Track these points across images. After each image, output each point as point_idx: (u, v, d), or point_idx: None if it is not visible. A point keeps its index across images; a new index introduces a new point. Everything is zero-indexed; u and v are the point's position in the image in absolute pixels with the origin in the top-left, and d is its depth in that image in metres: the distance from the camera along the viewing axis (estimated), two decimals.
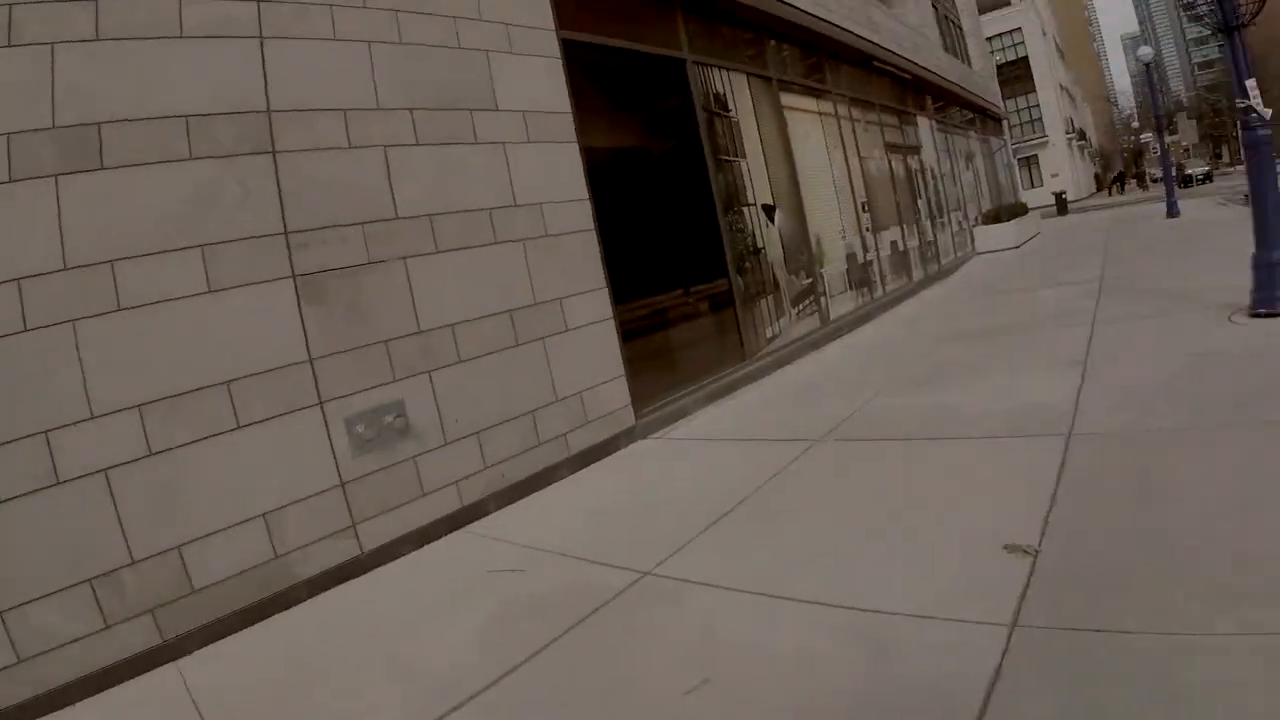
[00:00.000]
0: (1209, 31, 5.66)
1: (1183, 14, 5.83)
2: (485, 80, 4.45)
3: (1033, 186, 45.31)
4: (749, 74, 7.79)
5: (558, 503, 4.12)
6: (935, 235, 14.17)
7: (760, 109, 7.83)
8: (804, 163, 8.51)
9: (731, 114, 7.24)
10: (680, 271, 6.37)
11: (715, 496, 3.69)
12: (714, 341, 6.60)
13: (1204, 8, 5.72)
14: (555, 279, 4.57)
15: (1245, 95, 5.64)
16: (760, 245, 7.20)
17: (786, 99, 8.49)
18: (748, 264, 6.94)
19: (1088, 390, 4.46)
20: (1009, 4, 52.18)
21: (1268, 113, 5.67)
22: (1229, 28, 5.60)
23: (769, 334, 7.22)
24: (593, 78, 5.70)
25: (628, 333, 5.18)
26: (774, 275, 7.43)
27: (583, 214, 4.88)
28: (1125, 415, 3.87)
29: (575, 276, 4.72)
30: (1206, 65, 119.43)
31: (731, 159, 7.04)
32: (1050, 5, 74.88)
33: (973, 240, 17.35)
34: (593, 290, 4.82)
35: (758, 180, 7.42)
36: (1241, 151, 6.20)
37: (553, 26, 5.04)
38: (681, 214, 6.45)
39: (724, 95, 7.21)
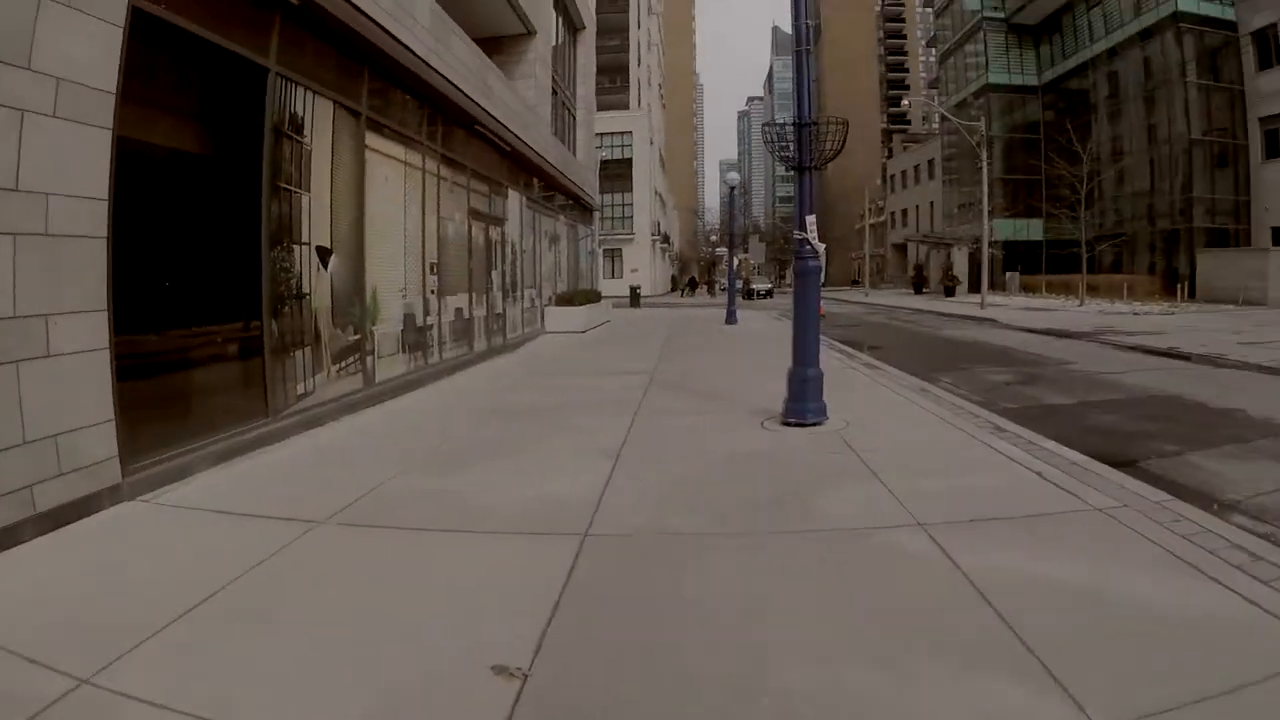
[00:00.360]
0: (790, 170, 7.12)
1: (770, 149, 7.41)
2: (27, 30, 4.15)
3: (614, 277, 51.71)
4: (337, 103, 8.11)
5: (11, 575, 3.76)
6: (505, 308, 15.58)
7: (340, 143, 8.19)
8: (376, 210, 9.01)
9: (306, 141, 7.48)
10: (208, 305, 6.25)
11: (188, 584, 3.56)
12: (236, 391, 6.58)
13: (789, 148, 7.01)
14: (46, 290, 4.30)
15: (804, 228, 6.91)
16: (306, 290, 7.45)
17: (373, 139, 8.96)
18: (288, 309, 7.12)
19: (615, 485, 5.15)
20: (627, 108, 59.97)
21: (821, 247, 6.96)
22: (802, 167, 6.97)
23: (301, 390, 7.42)
24: (158, 62, 5.57)
25: (130, 369, 4.98)
26: (317, 325, 7.70)
27: (97, 217, 4.70)
28: (645, 515, 4.46)
29: (72, 291, 4.50)
30: (786, 199, 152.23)
31: (294, 189, 7.25)
32: (664, 118, 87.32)
33: (543, 319, 19.33)
34: (90, 311, 4.62)
35: (318, 218, 7.71)
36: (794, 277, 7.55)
37: None
38: (223, 239, 6.43)
39: (303, 119, 7.44)
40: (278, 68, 6.88)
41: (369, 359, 8.89)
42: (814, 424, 6.85)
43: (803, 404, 6.92)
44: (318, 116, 7.73)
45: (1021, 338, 18.63)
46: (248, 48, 6.51)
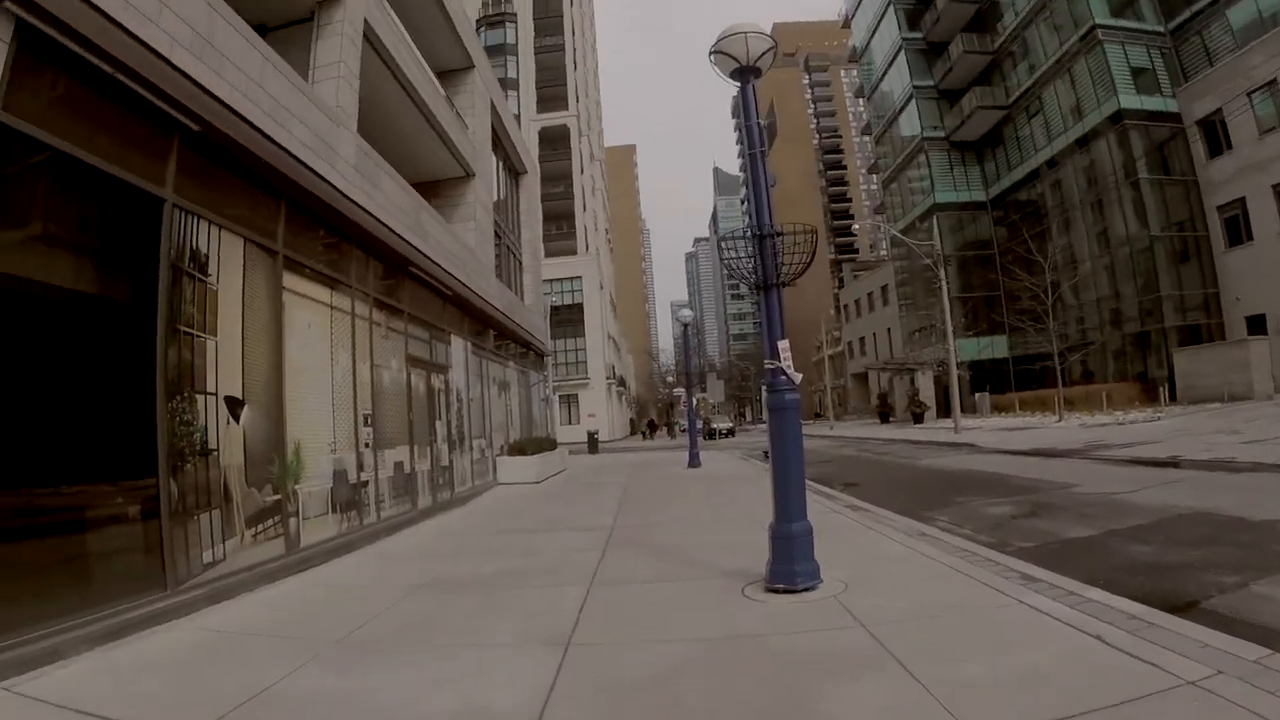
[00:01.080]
0: (746, 293, 6.31)
1: (724, 274, 6.56)
2: None
3: (570, 423, 51.45)
4: (249, 240, 7.65)
5: None
6: (452, 460, 14.83)
7: (253, 284, 7.68)
8: (297, 358, 8.44)
9: (211, 280, 6.95)
10: (89, 460, 5.53)
11: None
12: (125, 559, 5.78)
13: (745, 270, 6.23)
14: None
15: (776, 355, 5.97)
16: (213, 446, 6.73)
17: (292, 280, 8.49)
18: (190, 465, 6.39)
19: (562, 690, 4.10)
20: (575, 254, 61.52)
21: (798, 376, 6.01)
22: (767, 285, 6.13)
23: (208, 558, 6.61)
24: (27, 184, 5.11)
25: None
26: (227, 484, 6.95)
27: None
28: None
29: None
30: (740, 337, 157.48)
31: (196, 334, 6.66)
32: (613, 262, 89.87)
33: (495, 470, 18.53)
34: None
35: (227, 366, 7.09)
36: (765, 414, 6.47)
37: None
38: (107, 387, 5.77)
39: (207, 256, 6.94)
40: (177, 197, 6.43)
41: (292, 521, 8.07)
42: (806, 589, 5.75)
43: (790, 566, 5.81)
44: (226, 254, 7.24)
45: (1009, 461, 17.81)
46: (140, 174, 6.06)
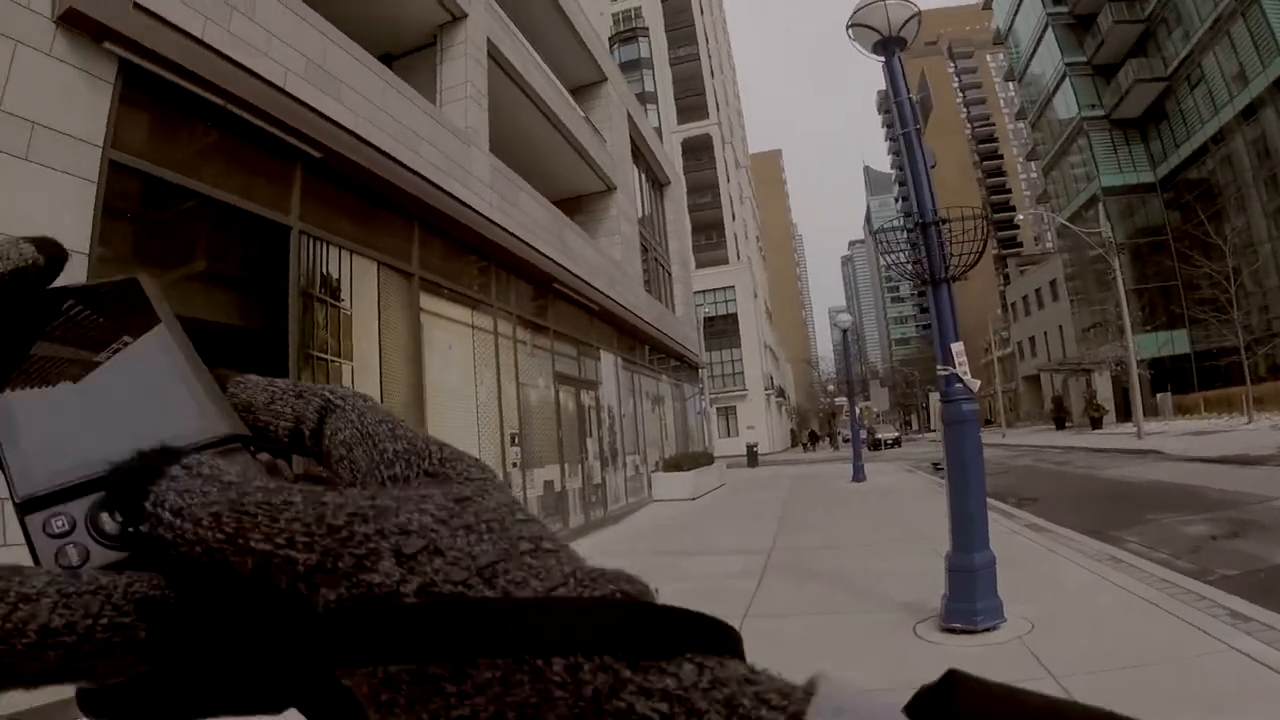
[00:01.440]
0: (907, 294, 5.64)
1: (882, 274, 5.93)
2: None
3: (729, 436, 50.74)
4: (382, 264, 7.65)
5: None
6: (605, 478, 14.64)
7: (388, 306, 7.66)
8: (439, 379, 8.38)
9: (344, 305, 6.94)
10: None
11: None
12: None
13: (909, 266, 5.71)
14: None
15: (949, 360, 5.30)
16: None
17: (429, 302, 8.45)
18: None
19: None
20: (726, 264, 60.95)
21: (975, 383, 5.36)
22: (936, 280, 5.44)
23: None
24: (149, 219, 5.20)
25: None
26: None
27: None
28: None
29: None
30: (902, 341, 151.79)
31: (331, 359, 6.66)
32: (766, 270, 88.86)
33: (649, 486, 18.21)
34: None
35: (364, 389, 6.95)
36: (935, 424, 5.83)
37: (102, 142, 4.59)
38: None
39: (338, 281, 6.95)
40: (303, 225, 6.45)
41: None
42: (987, 629, 5.02)
43: (970, 604, 5.07)
44: (358, 277, 7.25)
45: (1199, 470, 16.04)
46: (265, 203, 6.11)
